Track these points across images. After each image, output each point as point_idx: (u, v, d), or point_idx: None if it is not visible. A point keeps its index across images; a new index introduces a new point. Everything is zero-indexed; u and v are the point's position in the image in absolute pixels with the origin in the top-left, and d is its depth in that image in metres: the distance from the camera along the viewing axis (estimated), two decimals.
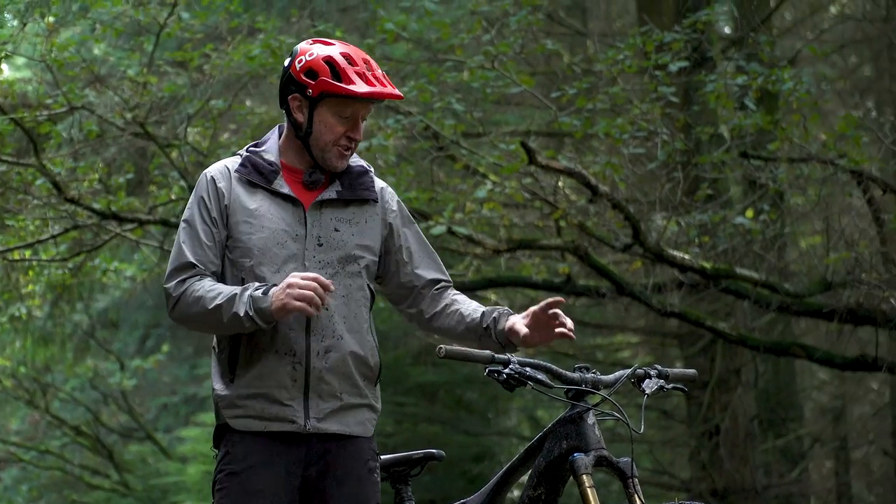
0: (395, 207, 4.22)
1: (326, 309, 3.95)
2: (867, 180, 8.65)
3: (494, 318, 4.10)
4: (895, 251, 8.82)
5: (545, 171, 8.68)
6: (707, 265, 8.99)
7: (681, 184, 8.92)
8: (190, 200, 4.11)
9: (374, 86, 3.99)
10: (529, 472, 4.06)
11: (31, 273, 10.98)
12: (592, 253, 9.12)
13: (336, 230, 4.07)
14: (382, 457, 4.28)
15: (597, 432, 3.91)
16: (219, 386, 4.04)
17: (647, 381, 4.02)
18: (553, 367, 3.92)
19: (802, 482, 13.39)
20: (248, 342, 3.99)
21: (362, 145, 8.44)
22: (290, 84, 4.07)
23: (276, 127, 4.22)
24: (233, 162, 4.14)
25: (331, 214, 4.08)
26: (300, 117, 4.07)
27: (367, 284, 4.12)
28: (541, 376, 3.88)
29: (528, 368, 3.87)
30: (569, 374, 3.94)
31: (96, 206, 9.34)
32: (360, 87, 3.98)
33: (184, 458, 17.26)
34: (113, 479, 18.10)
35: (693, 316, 9.43)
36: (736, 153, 9.17)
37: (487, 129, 9.74)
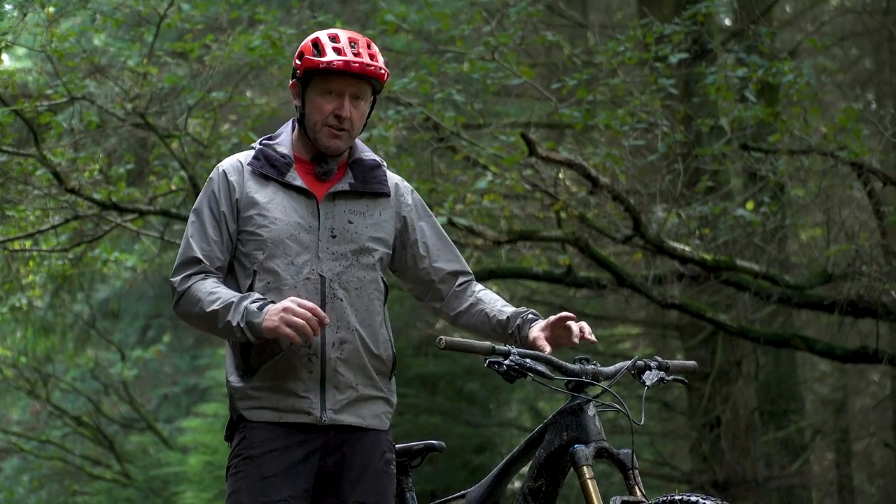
0: (409, 201, 4.21)
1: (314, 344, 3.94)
2: (867, 172, 8.64)
3: (518, 325, 4.10)
4: (895, 243, 8.82)
5: (545, 162, 8.67)
6: (707, 257, 8.99)
7: (681, 175, 8.92)
8: (201, 194, 4.13)
9: (347, 56, 3.98)
10: (530, 463, 4.07)
11: (31, 263, 10.98)
12: (593, 244, 9.12)
13: (350, 222, 4.06)
14: None
15: (597, 424, 3.91)
16: (233, 378, 4.04)
17: (647, 372, 4.02)
18: (553, 358, 3.92)
19: (803, 474, 13.38)
20: None
21: (363, 136, 8.43)
22: (292, 73, 4.12)
23: (291, 120, 4.22)
24: (246, 156, 4.15)
25: (344, 206, 4.08)
26: (298, 102, 4.10)
27: (381, 277, 4.12)
28: (541, 368, 3.88)
29: (528, 360, 3.87)
30: (569, 365, 3.94)
31: (97, 196, 9.33)
32: (330, 56, 3.98)
33: (185, 448, 17.29)
34: (114, 470, 18.14)
35: (694, 307, 9.43)
36: (736, 145, 9.18)
37: (488, 121, 9.74)
